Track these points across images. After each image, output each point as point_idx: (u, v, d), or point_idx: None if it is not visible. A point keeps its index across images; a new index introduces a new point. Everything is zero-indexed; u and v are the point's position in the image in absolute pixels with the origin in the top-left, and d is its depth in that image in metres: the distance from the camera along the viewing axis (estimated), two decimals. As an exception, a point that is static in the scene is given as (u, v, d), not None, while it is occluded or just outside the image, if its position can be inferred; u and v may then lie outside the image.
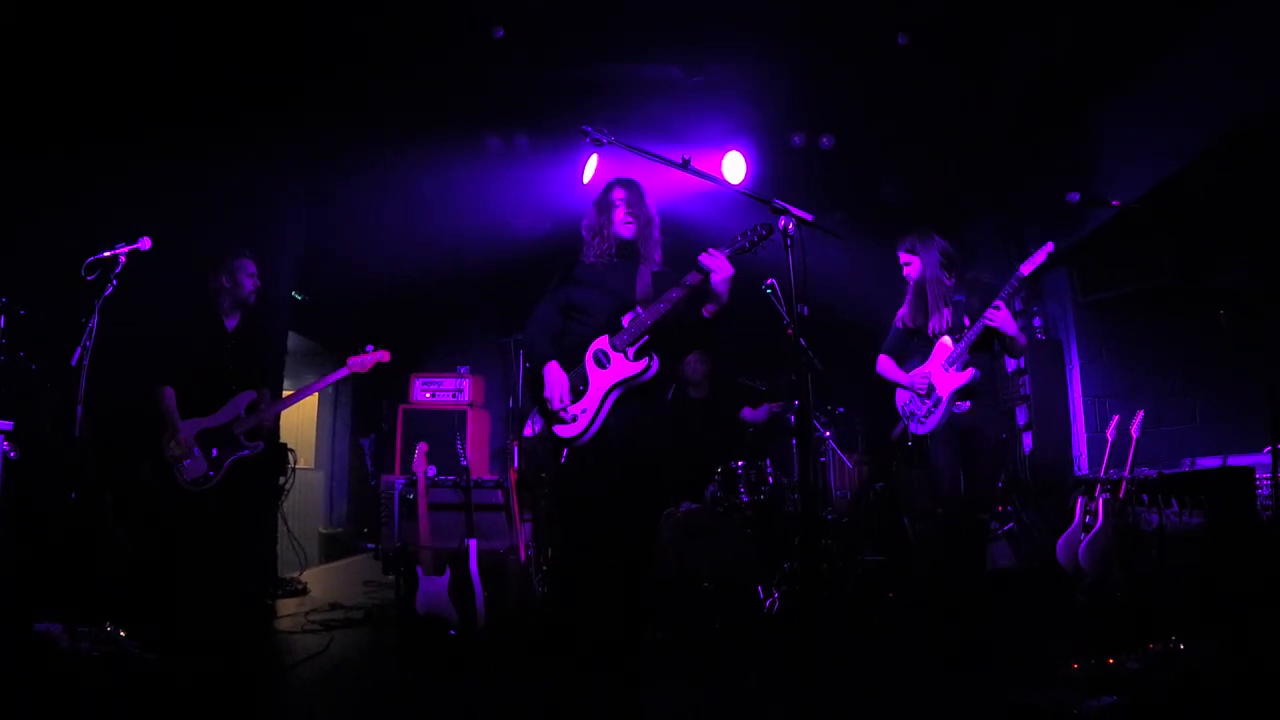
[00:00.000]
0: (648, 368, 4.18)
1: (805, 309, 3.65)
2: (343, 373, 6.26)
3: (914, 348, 5.76)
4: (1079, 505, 6.86)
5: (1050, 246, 5.40)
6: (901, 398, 5.76)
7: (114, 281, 4.84)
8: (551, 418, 4.21)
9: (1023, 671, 4.61)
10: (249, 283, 6.15)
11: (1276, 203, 6.38)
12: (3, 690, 4.16)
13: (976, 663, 4.89)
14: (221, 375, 6.02)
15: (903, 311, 5.82)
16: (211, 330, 6.11)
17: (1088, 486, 6.91)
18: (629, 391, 4.20)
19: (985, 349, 5.55)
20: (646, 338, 4.20)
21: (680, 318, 4.25)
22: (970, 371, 5.41)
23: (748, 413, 7.75)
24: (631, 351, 4.19)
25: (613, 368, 4.19)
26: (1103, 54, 6.93)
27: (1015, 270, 5.44)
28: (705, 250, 4.14)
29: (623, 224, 4.41)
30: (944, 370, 5.48)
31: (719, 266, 4.10)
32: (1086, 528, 6.70)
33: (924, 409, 5.55)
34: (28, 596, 4.93)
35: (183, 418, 5.88)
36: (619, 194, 4.45)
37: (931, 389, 5.50)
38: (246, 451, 5.89)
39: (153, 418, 5.94)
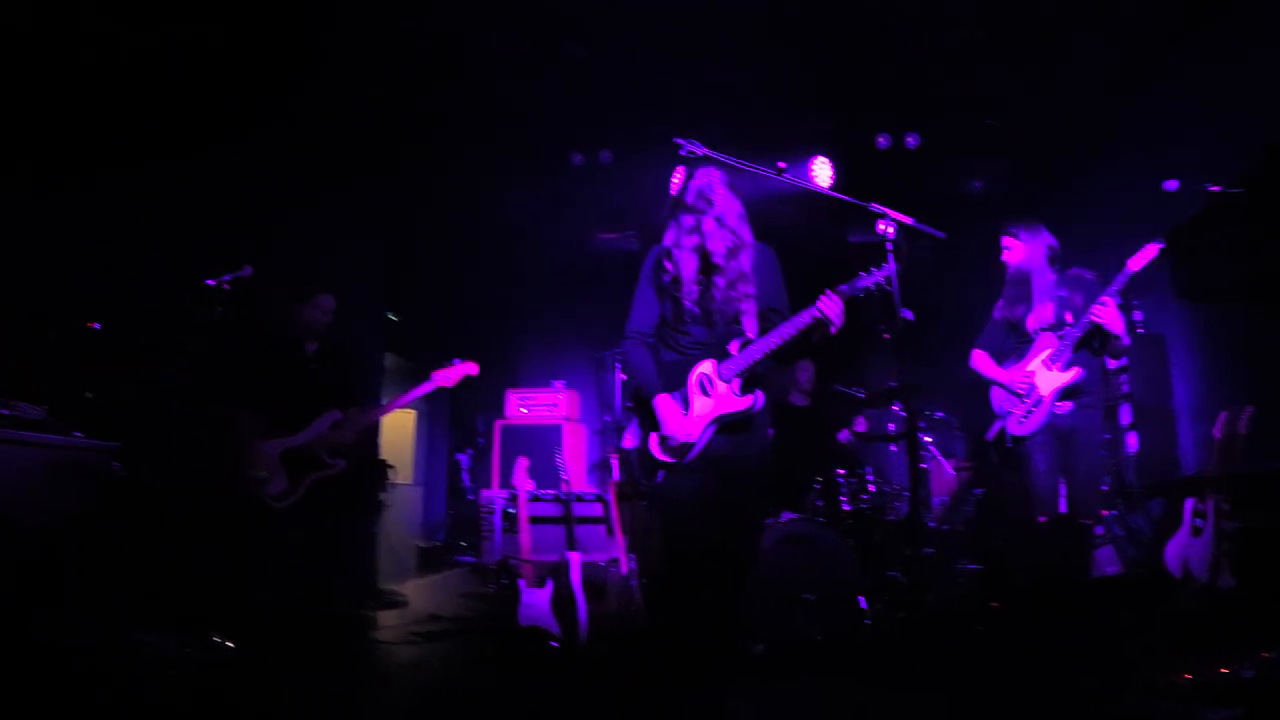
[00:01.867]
0: (753, 404, 4.08)
1: (910, 314, 3.58)
2: (428, 387, 6.32)
3: (1010, 344, 5.59)
4: (1188, 508, 6.67)
5: (1161, 244, 5.17)
6: (998, 396, 5.57)
7: (220, 308, 5.03)
8: (658, 441, 4.13)
9: (1132, 682, 4.50)
10: (322, 316, 6.36)
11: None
12: (112, 696, 4.30)
13: (1083, 673, 4.76)
14: (303, 397, 6.23)
15: (1000, 303, 5.66)
16: (291, 356, 6.37)
17: (1196, 488, 6.72)
18: (733, 422, 4.15)
19: (1087, 347, 5.35)
20: (755, 371, 4.13)
21: (790, 349, 4.12)
22: (1076, 371, 5.23)
23: (844, 435, 7.66)
24: (738, 385, 4.08)
25: (717, 398, 4.07)
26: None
27: (1123, 266, 5.19)
28: (824, 290, 3.90)
29: (715, 231, 4.14)
30: (1046, 369, 5.30)
31: (835, 316, 3.93)
32: (1196, 531, 6.51)
33: (1023, 409, 5.36)
34: (134, 606, 5.09)
35: (268, 439, 6.10)
36: (711, 194, 4.17)
37: (1032, 388, 5.32)
38: (328, 470, 6.09)
39: (229, 439, 6.14)
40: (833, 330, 3.97)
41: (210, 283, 5.09)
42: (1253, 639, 4.42)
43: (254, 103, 6.88)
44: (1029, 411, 5.34)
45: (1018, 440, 5.41)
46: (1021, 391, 5.36)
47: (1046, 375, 5.30)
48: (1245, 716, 3.63)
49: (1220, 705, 3.70)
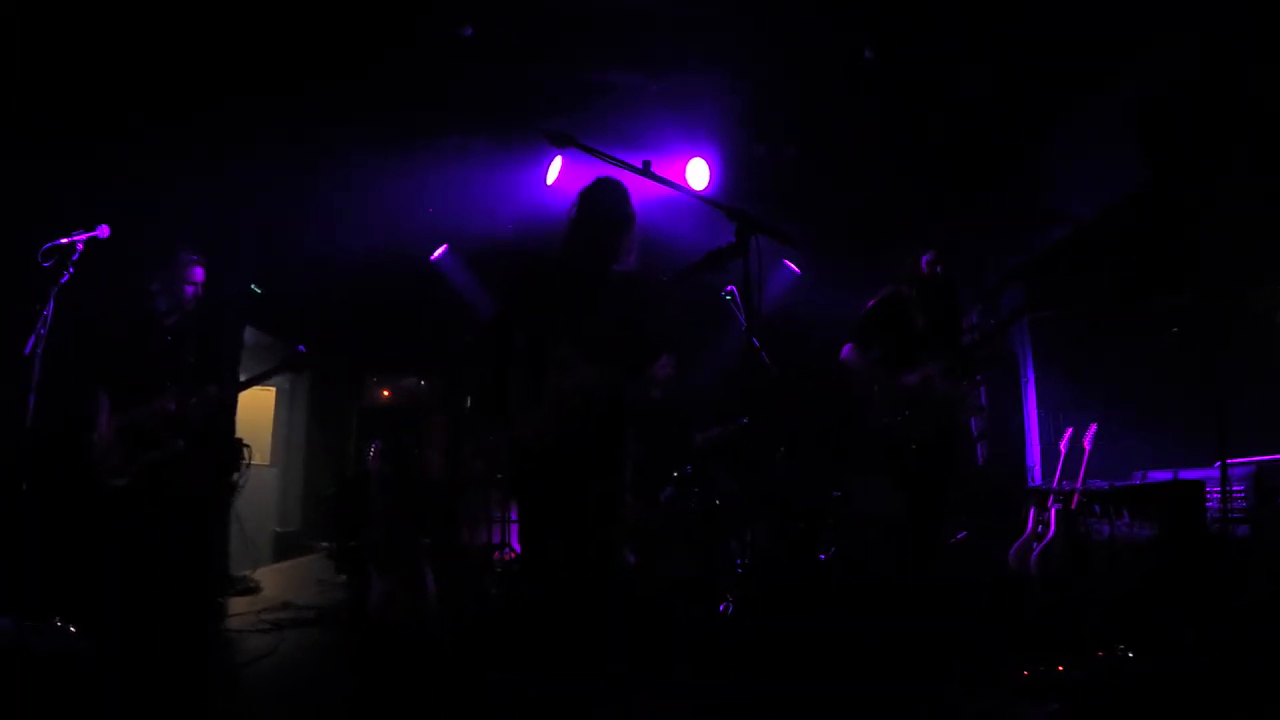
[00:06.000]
0: (609, 378, 4.16)
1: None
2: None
3: (888, 347, 5.67)
4: (1031, 515, 6.93)
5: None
6: (880, 398, 5.58)
7: (70, 269, 4.77)
8: (509, 421, 4.19)
9: (972, 678, 4.64)
10: (188, 289, 5.93)
11: (1220, 226, 6.51)
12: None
13: (926, 669, 4.89)
14: (153, 374, 5.76)
15: (875, 304, 5.76)
16: (144, 330, 5.90)
17: (1040, 497, 6.98)
18: (588, 400, 4.17)
19: (981, 367, 5.55)
20: (609, 346, 4.17)
21: (642, 328, 4.22)
22: (979, 384, 5.36)
23: (699, 436, 7.71)
24: (594, 360, 4.16)
25: (574, 375, 4.16)
26: (1056, 80, 7.05)
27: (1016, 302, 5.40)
28: (667, 260, 4.13)
29: (602, 224, 4.32)
30: (941, 378, 5.41)
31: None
32: (1038, 537, 6.76)
33: (919, 414, 5.45)
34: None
35: (111, 413, 5.68)
36: (599, 193, 4.37)
37: (929, 394, 5.41)
38: (167, 449, 5.64)
39: (81, 415, 5.73)
40: None
41: (62, 241, 4.80)
42: (1088, 640, 4.61)
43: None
44: (925, 417, 5.42)
45: (923, 445, 5.46)
46: (916, 394, 5.44)
47: (944, 383, 5.41)
48: (1075, 712, 3.78)
49: (1048, 701, 3.84)
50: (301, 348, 6.01)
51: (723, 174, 8.51)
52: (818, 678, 4.98)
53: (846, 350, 5.75)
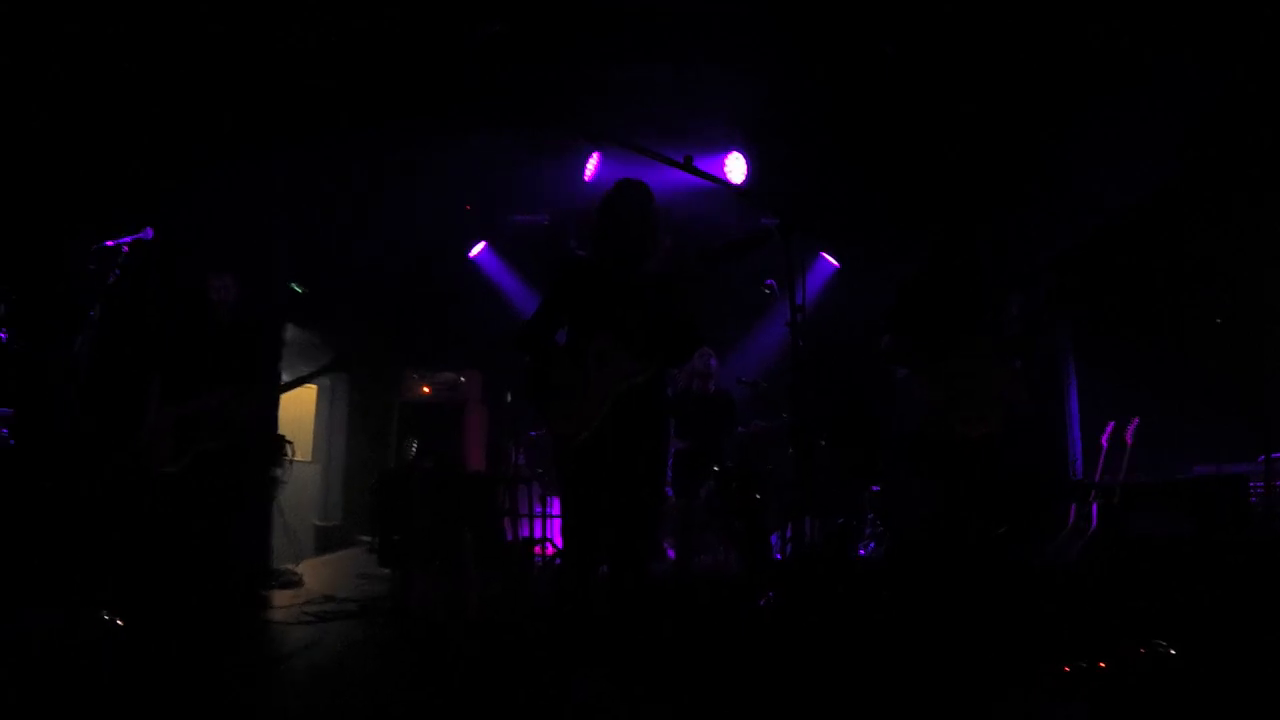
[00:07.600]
0: (648, 369, 4.18)
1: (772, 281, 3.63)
2: None
3: (927, 335, 5.31)
4: (1073, 510, 6.88)
5: None
6: (917, 385, 5.28)
7: (117, 271, 4.89)
8: (550, 415, 4.21)
9: (1012, 674, 4.62)
10: (224, 294, 6.32)
11: (1260, 218, 6.42)
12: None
13: (966, 664, 4.86)
14: (203, 369, 6.12)
15: (913, 293, 5.45)
16: (196, 327, 6.27)
17: (1082, 492, 6.93)
18: (629, 391, 4.18)
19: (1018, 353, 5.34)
20: (647, 339, 4.18)
21: (678, 319, 4.23)
22: (1021, 374, 5.22)
23: (741, 431, 7.71)
24: (632, 352, 4.18)
25: (613, 367, 4.18)
26: (1086, 76, 6.97)
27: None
28: (701, 246, 4.13)
29: (627, 226, 4.33)
30: (985, 367, 5.13)
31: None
32: (1080, 532, 6.72)
33: (961, 406, 5.13)
34: (23, 582, 4.94)
35: (163, 405, 6.02)
36: (626, 197, 4.35)
37: (974, 384, 5.10)
38: (212, 442, 5.94)
39: (140, 404, 6.07)
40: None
41: (109, 244, 4.93)
42: (1130, 635, 4.58)
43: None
44: (973, 409, 5.14)
45: (971, 439, 5.17)
46: (962, 387, 5.15)
47: (991, 373, 5.15)
48: (1111, 708, 3.76)
49: (1088, 697, 3.83)
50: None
51: (760, 167, 8.51)
52: (853, 671, 4.97)
53: (886, 341, 5.51)
